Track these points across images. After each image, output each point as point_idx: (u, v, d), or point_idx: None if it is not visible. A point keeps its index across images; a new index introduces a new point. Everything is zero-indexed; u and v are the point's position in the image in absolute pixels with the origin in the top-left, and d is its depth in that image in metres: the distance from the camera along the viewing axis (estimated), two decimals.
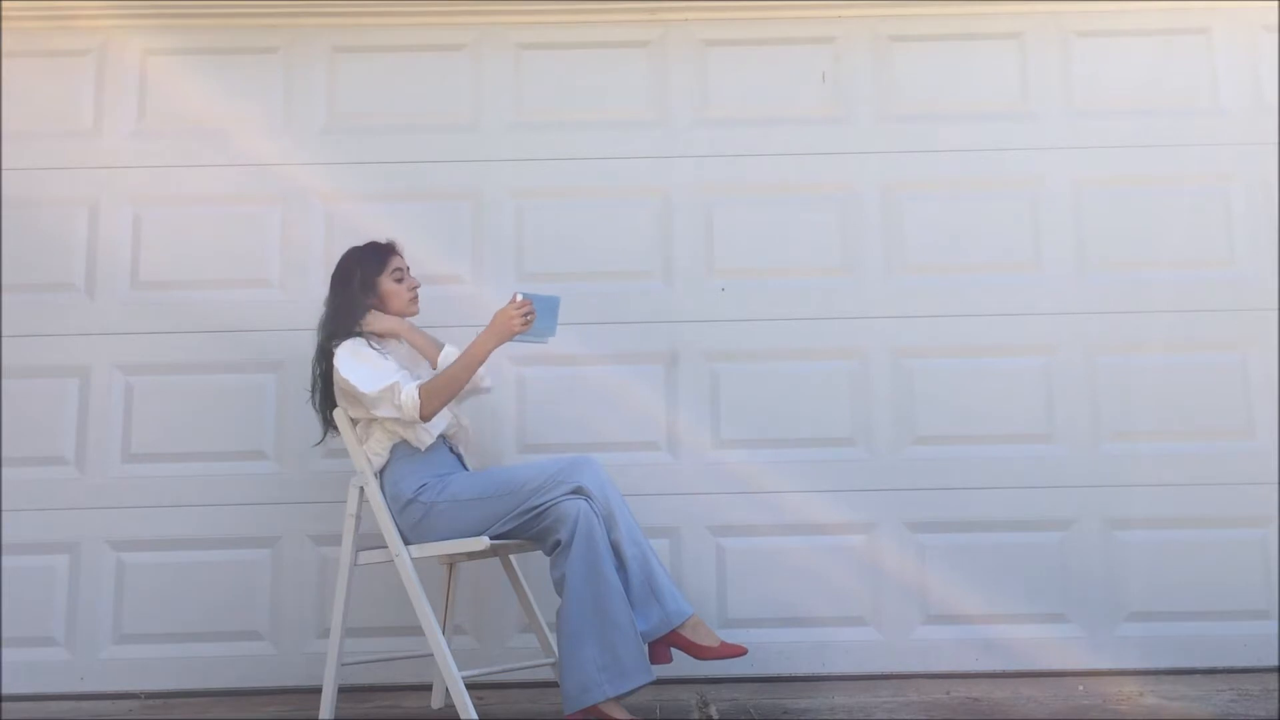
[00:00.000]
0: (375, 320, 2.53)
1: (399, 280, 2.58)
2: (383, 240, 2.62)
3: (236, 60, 3.15)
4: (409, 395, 2.37)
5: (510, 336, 2.43)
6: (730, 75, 3.15)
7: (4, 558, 2.90)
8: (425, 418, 2.40)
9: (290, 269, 3.05)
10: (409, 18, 3.15)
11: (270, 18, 3.15)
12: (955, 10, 3.16)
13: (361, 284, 2.54)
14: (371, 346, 2.47)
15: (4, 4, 3.09)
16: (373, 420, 2.46)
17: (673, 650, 2.35)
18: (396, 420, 2.41)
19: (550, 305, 2.48)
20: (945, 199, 3.09)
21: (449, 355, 2.49)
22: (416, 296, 2.61)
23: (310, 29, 3.16)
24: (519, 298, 2.44)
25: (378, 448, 2.46)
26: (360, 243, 2.63)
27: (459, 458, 2.57)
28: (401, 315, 2.58)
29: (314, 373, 2.56)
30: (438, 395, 2.39)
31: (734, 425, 2.99)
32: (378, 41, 3.16)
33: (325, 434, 2.58)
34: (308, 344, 2.61)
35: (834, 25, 3.17)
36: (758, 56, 3.16)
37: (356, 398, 2.41)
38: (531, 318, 2.43)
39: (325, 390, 2.54)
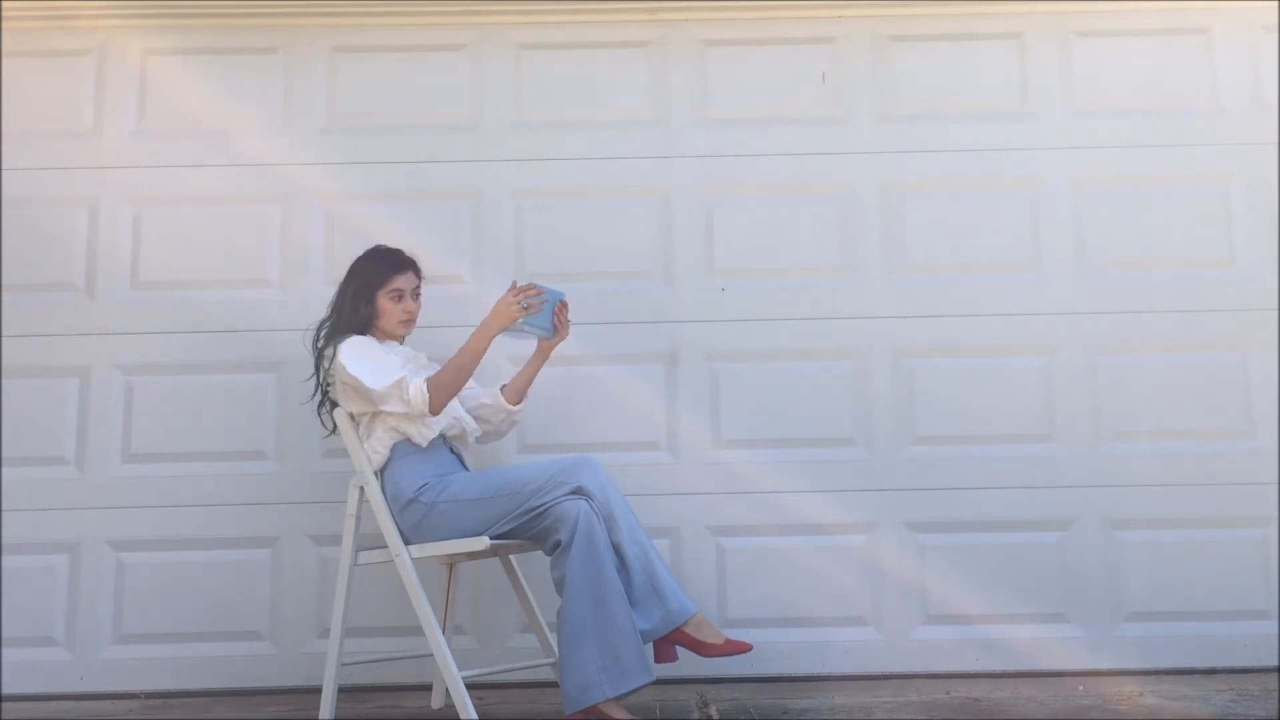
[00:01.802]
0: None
1: (396, 300, 2.55)
2: (405, 254, 2.60)
3: (236, 60, 3.15)
4: (417, 389, 2.38)
5: (510, 322, 2.44)
6: (730, 75, 3.15)
7: (4, 558, 2.90)
8: (435, 411, 2.41)
9: (290, 269, 3.05)
10: (409, 18, 3.15)
11: (270, 18, 3.15)
12: (955, 10, 3.16)
13: (359, 292, 2.54)
14: (373, 340, 2.49)
15: (4, 4, 3.09)
16: (375, 418, 2.46)
17: (677, 649, 2.35)
18: (403, 415, 2.42)
19: (550, 299, 2.51)
20: (945, 199, 3.09)
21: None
22: (410, 321, 2.58)
23: (310, 29, 3.16)
24: (517, 284, 2.46)
25: (379, 446, 2.46)
26: (380, 243, 2.63)
27: (459, 458, 2.57)
28: (389, 335, 2.57)
29: (317, 375, 2.56)
30: (445, 388, 2.41)
31: (734, 425, 2.99)
32: (378, 41, 3.16)
33: (333, 430, 2.58)
34: (303, 341, 2.61)
35: (834, 25, 3.17)
36: (758, 56, 3.16)
37: (364, 394, 2.41)
38: (533, 307, 2.46)
39: (325, 394, 2.55)
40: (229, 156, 3.09)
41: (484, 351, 2.45)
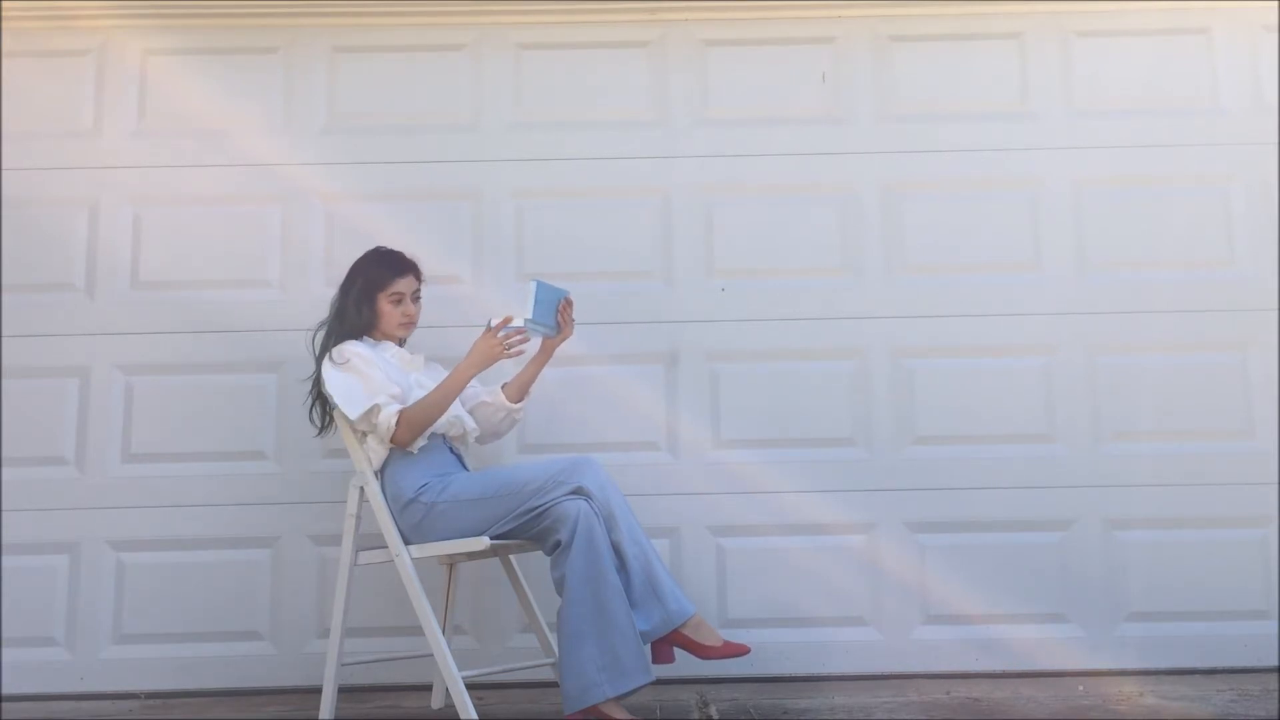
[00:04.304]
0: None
1: (395, 303, 2.56)
2: (404, 256, 2.60)
3: (236, 60, 3.15)
4: (387, 418, 2.38)
5: (491, 364, 2.45)
6: (730, 75, 3.15)
7: (4, 558, 2.90)
8: (398, 443, 2.41)
9: (290, 269, 3.05)
10: (409, 18, 3.15)
11: (270, 18, 3.15)
12: (955, 10, 3.16)
13: (360, 296, 2.54)
14: (362, 349, 2.47)
15: (4, 4, 3.09)
16: None
17: (675, 650, 2.35)
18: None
19: (554, 298, 2.51)
20: (945, 199, 3.09)
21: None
22: (410, 324, 2.59)
23: (310, 29, 3.16)
24: (492, 323, 2.45)
25: (377, 446, 2.45)
26: (379, 245, 2.63)
27: (459, 458, 2.57)
28: (389, 337, 2.58)
29: (313, 382, 2.57)
30: (416, 423, 2.41)
31: (734, 425, 2.99)
32: (378, 41, 3.16)
33: (321, 432, 2.59)
34: (306, 341, 2.61)
35: (834, 25, 3.17)
36: (758, 56, 3.16)
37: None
38: (515, 347, 2.45)
39: (319, 396, 2.56)
40: (229, 156, 3.09)
41: (460, 391, 2.46)
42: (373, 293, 2.54)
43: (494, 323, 2.46)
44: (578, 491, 2.32)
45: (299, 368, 2.84)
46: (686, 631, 2.31)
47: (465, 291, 3.03)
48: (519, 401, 2.65)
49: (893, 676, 2.87)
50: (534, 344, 2.61)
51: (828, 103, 3.14)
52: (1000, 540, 2.94)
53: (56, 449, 2.96)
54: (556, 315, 2.54)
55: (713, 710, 2.55)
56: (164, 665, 2.88)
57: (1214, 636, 2.89)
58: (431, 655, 2.39)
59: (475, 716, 2.28)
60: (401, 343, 2.63)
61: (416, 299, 2.61)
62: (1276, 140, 3.09)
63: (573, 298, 2.57)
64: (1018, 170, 3.10)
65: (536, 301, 2.47)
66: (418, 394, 2.48)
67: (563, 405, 2.97)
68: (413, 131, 3.12)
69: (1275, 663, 2.86)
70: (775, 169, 3.10)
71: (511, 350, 2.45)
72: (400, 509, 2.42)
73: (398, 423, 2.38)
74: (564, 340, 2.60)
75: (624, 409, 2.99)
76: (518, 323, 2.46)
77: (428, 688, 2.73)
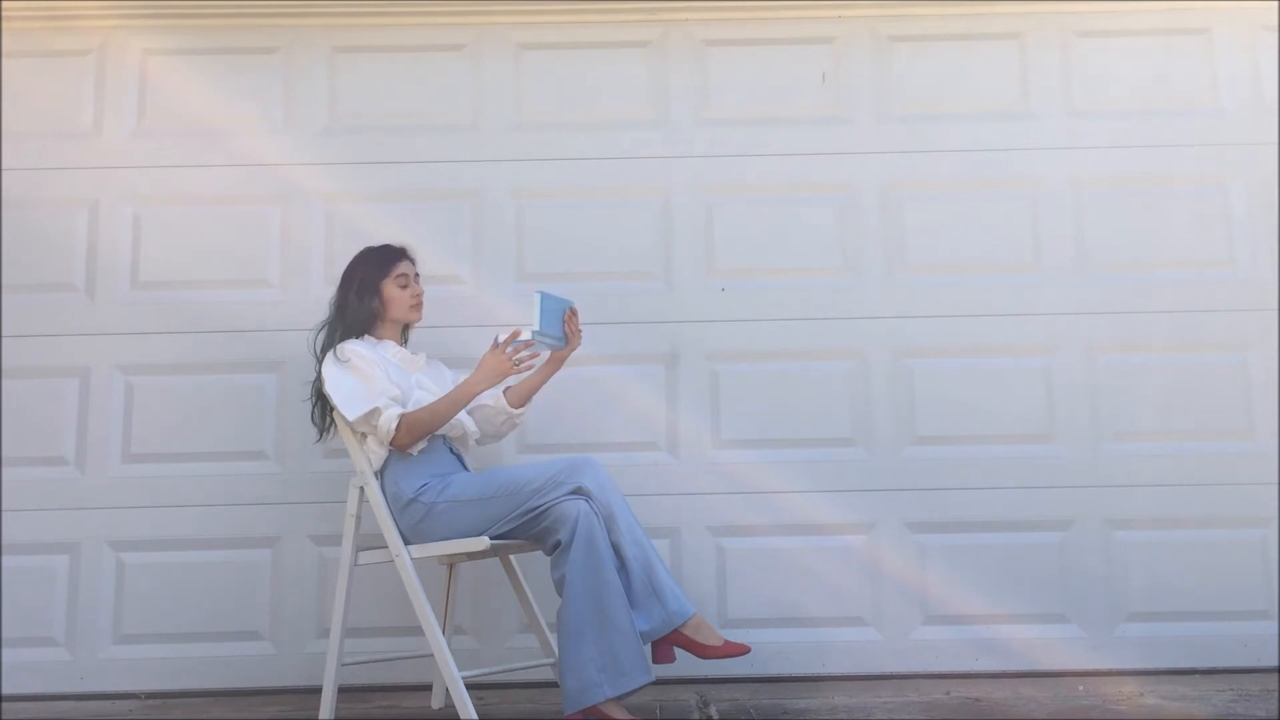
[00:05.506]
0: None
1: (403, 286, 2.57)
2: (396, 244, 2.62)
3: (236, 60, 3.15)
4: (387, 421, 2.38)
5: (500, 381, 2.45)
6: (730, 75, 3.15)
7: (4, 558, 2.90)
8: (397, 446, 2.41)
9: (290, 269, 3.05)
10: (409, 18, 3.15)
11: (270, 18, 3.15)
12: (955, 10, 3.16)
13: (363, 286, 2.54)
14: (362, 349, 2.46)
15: (4, 4, 3.09)
16: None
17: (675, 649, 2.35)
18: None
19: (558, 308, 2.50)
20: (945, 199, 3.09)
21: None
22: (420, 304, 2.60)
23: (310, 29, 3.16)
24: (499, 339, 2.44)
25: (377, 447, 2.45)
26: (371, 244, 2.63)
27: (459, 458, 2.57)
28: (401, 321, 2.59)
29: (314, 384, 2.57)
30: (418, 428, 2.40)
31: (734, 425, 2.99)
32: (378, 41, 3.16)
33: (322, 436, 2.58)
34: (307, 344, 2.61)
35: (834, 25, 3.17)
36: (758, 56, 3.16)
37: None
38: (524, 361, 2.43)
39: (320, 397, 2.55)
40: (229, 156, 3.09)
41: (465, 406, 2.45)
42: (376, 283, 2.55)
43: (501, 338, 2.45)
44: (578, 491, 2.32)
45: (299, 368, 2.84)
46: (687, 631, 2.31)
47: (465, 292, 3.03)
48: (521, 407, 2.65)
49: (893, 676, 2.87)
50: (541, 356, 2.60)
51: (828, 103, 3.14)
52: (1000, 540, 2.94)
53: (56, 449, 2.96)
54: (563, 326, 2.53)
55: (713, 710, 2.55)
56: (164, 665, 2.88)
57: (1214, 636, 2.89)
58: (431, 655, 2.39)
59: (475, 716, 2.28)
60: (404, 340, 2.63)
61: (418, 280, 2.62)
62: (1276, 140, 3.09)
63: (572, 298, 2.56)
64: (1018, 170, 3.10)
65: (542, 313, 2.45)
66: (419, 394, 2.48)
67: (563, 405, 2.96)
68: (413, 131, 3.12)
69: (1275, 663, 2.87)
70: (775, 169, 3.10)
71: (520, 367, 2.44)
72: (400, 509, 2.41)
73: (397, 426, 2.38)
74: (572, 351, 2.58)
75: (624, 409, 2.99)
76: (525, 335, 2.43)
77: (428, 688, 2.73)
